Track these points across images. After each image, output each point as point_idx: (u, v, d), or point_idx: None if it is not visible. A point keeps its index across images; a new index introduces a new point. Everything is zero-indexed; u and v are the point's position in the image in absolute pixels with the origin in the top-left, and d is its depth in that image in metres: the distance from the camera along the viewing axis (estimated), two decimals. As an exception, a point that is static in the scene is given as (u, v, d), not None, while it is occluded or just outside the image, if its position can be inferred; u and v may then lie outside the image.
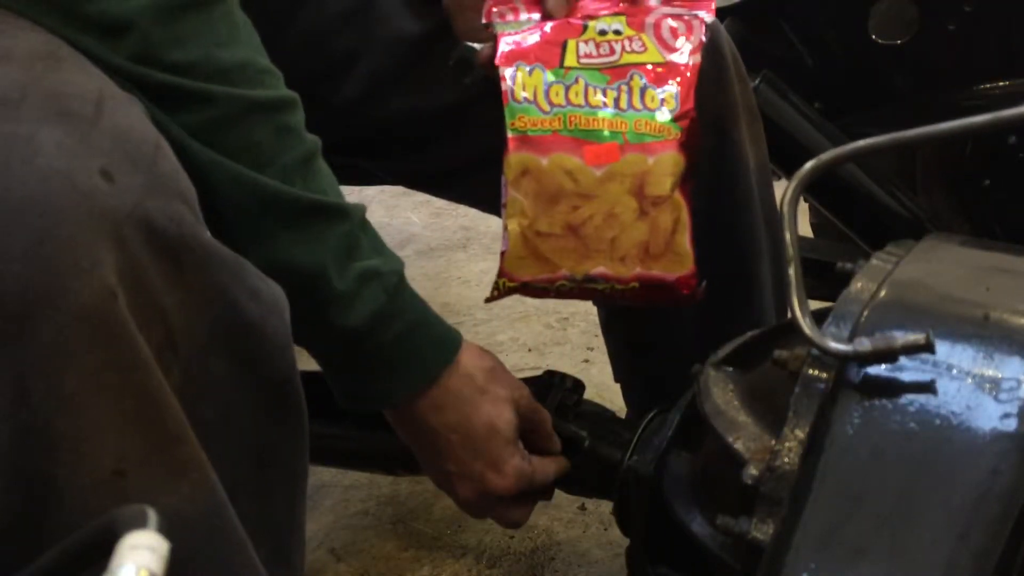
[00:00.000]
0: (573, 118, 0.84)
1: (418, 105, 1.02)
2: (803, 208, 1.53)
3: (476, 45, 0.91)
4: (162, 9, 0.67)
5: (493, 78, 0.91)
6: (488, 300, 0.88)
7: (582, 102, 0.85)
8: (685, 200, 0.85)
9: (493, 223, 2.29)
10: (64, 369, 0.56)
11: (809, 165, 0.68)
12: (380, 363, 0.80)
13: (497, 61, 0.86)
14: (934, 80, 1.27)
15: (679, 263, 0.84)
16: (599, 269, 0.84)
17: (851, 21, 1.26)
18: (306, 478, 0.74)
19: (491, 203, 1.17)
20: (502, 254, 0.85)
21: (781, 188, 0.86)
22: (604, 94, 0.85)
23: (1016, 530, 0.55)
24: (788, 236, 0.65)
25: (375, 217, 2.26)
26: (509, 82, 0.85)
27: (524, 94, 0.85)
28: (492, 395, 0.86)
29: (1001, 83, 1.24)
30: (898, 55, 1.25)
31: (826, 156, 0.68)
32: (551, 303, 1.93)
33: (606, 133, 0.84)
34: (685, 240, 0.85)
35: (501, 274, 0.85)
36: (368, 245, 0.78)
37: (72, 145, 0.58)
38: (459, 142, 1.05)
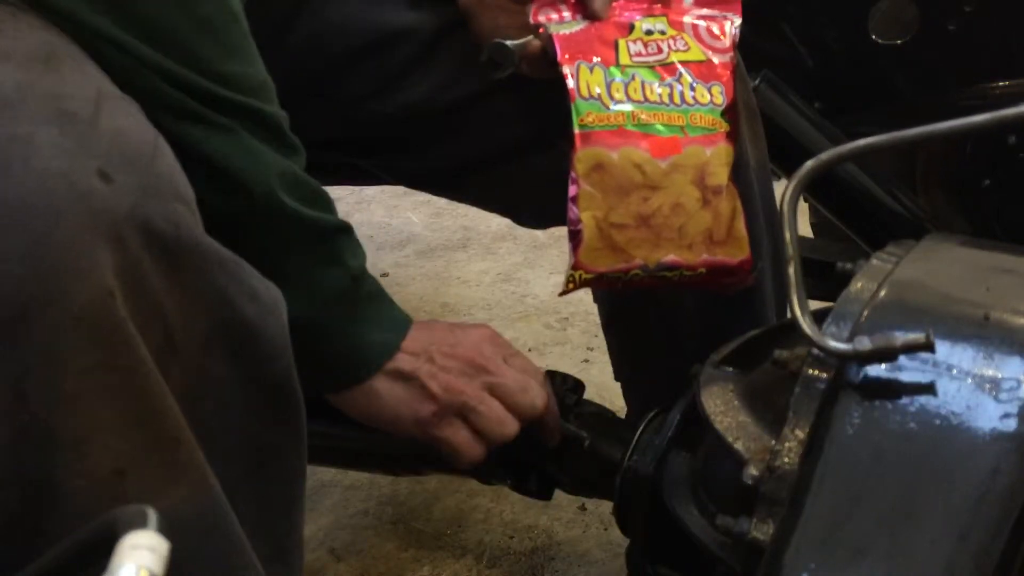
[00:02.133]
0: (636, 113, 0.88)
1: (420, 103, 1.02)
2: (803, 208, 1.53)
3: (508, 42, 0.92)
4: (209, 21, 0.69)
5: (523, 73, 0.93)
6: (562, 294, 0.90)
7: (641, 98, 0.89)
8: (736, 188, 0.90)
9: (493, 223, 2.31)
10: (63, 370, 0.56)
11: (809, 164, 0.68)
12: (373, 310, 0.82)
13: (560, 60, 0.89)
14: (934, 80, 1.27)
15: (739, 248, 0.89)
16: (670, 257, 0.88)
17: (851, 21, 1.26)
18: (304, 478, 0.74)
19: (492, 202, 1.17)
20: (575, 247, 0.87)
21: (781, 188, 0.86)
22: (659, 90, 0.89)
23: (1016, 530, 0.55)
24: (788, 235, 0.65)
25: (375, 217, 2.28)
26: (573, 80, 0.88)
27: (589, 91, 0.88)
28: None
29: (1001, 83, 1.24)
30: (898, 55, 1.25)
31: (825, 156, 0.68)
32: (551, 303, 1.93)
33: (666, 127, 0.88)
34: (742, 226, 0.89)
35: (576, 266, 0.88)
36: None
37: (70, 146, 0.57)
38: (461, 141, 1.05)
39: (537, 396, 0.87)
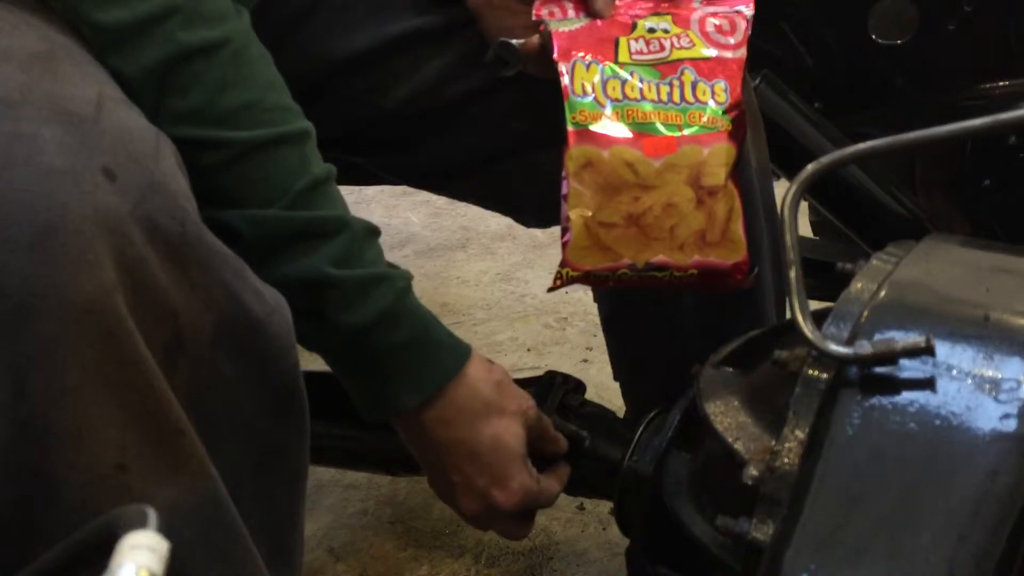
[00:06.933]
0: (631, 112, 0.87)
1: (423, 97, 1.02)
2: (803, 207, 1.53)
3: (514, 40, 0.92)
4: (166, 62, 0.69)
5: (529, 72, 0.93)
6: (551, 289, 0.90)
7: (638, 96, 0.88)
8: (737, 189, 0.88)
9: (492, 223, 2.30)
10: (64, 363, 0.56)
11: (809, 168, 0.68)
12: (388, 366, 0.80)
13: (556, 57, 0.89)
14: (934, 80, 1.27)
15: (734, 250, 0.87)
16: (660, 257, 0.87)
17: (851, 21, 1.26)
18: (306, 478, 0.75)
19: (494, 201, 1.17)
20: (564, 244, 0.87)
21: (780, 188, 0.86)
22: (658, 89, 0.88)
23: (1016, 531, 0.55)
24: (788, 240, 0.65)
25: (375, 217, 2.26)
26: (568, 77, 0.88)
27: (583, 89, 0.87)
28: (499, 409, 0.86)
29: (1001, 83, 1.24)
30: (898, 55, 1.25)
31: (826, 159, 0.68)
32: (550, 303, 1.93)
33: (662, 126, 0.87)
34: (739, 228, 0.88)
35: (564, 264, 0.87)
36: (373, 254, 0.78)
37: (74, 144, 0.58)
38: (463, 137, 1.05)
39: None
